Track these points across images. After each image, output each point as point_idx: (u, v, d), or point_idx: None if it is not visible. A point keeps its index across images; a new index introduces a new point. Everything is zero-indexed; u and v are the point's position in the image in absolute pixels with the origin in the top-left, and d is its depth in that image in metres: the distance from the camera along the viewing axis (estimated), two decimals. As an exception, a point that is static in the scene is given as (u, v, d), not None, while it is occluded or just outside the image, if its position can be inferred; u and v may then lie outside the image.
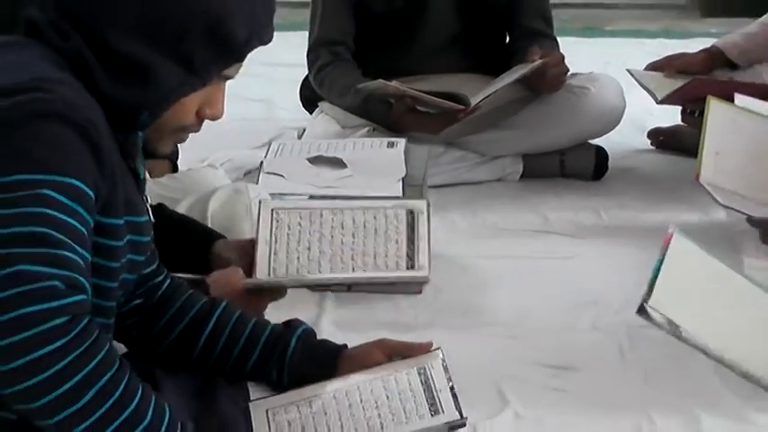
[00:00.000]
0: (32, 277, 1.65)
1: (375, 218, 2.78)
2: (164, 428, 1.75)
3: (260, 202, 2.82)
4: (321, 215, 2.78)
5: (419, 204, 2.87)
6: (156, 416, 1.74)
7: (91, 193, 1.75)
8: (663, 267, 1.87)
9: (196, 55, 1.87)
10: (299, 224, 2.73)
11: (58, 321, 1.64)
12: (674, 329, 1.90)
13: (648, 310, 1.81)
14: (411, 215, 2.80)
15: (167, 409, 1.77)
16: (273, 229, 2.73)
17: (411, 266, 2.76)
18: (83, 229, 1.73)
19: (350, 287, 3.22)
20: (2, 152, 1.71)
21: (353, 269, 2.74)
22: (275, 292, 2.70)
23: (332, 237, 2.76)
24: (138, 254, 1.97)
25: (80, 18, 1.85)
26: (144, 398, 1.73)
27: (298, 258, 2.72)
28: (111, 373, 1.68)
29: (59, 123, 1.74)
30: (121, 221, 1.86)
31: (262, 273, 2.68)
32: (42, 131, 1.73)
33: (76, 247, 1.70)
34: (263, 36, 1.95)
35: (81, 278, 1.70)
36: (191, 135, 2.07)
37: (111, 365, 1.69)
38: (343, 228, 2.77)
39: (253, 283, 2.64)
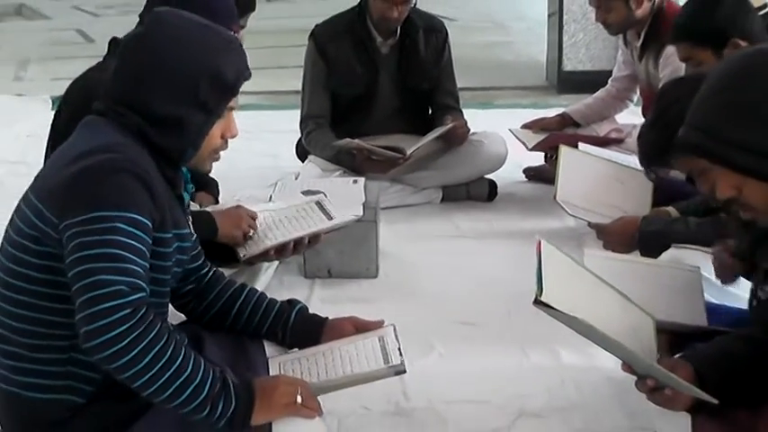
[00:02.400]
0: (107, 283, 1.66)
1: (297, 211, 2.70)
2: (199, 377, 1.72)
3: None
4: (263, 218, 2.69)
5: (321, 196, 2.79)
6: (194, 369, 1.72)
7: (148, 221, 1.75)
8: (542, 267, 1.71)
9: (208, 100, 1.86)
10: None
11: (123, 313, 1.65)
12: (563, 317, 1.75)
13: (543, 301, 1.69)
14: (319, 205, 2.73)
15: (203, 363, 1.75)
16: None
17: None
18: (143, 248, 1.73)
19: (330, 273, 3.25)
20: (86, 194, 1.72)
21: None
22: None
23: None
24: (182, 254, 1.95)
25: (129, 102, 1.85)
26: (185, 358, 1.71)
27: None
28: (160, 345, 1.68)
29: (125, 174, 1.74)
30: (170, 234, 1.85)
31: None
32: (114, 180, 1.73)
33: (138, 260, 1.71)
34: (245, 75, 1.92)
35: (140, 282, 1.70)
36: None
37: (161, 339, 1.68)
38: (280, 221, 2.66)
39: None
